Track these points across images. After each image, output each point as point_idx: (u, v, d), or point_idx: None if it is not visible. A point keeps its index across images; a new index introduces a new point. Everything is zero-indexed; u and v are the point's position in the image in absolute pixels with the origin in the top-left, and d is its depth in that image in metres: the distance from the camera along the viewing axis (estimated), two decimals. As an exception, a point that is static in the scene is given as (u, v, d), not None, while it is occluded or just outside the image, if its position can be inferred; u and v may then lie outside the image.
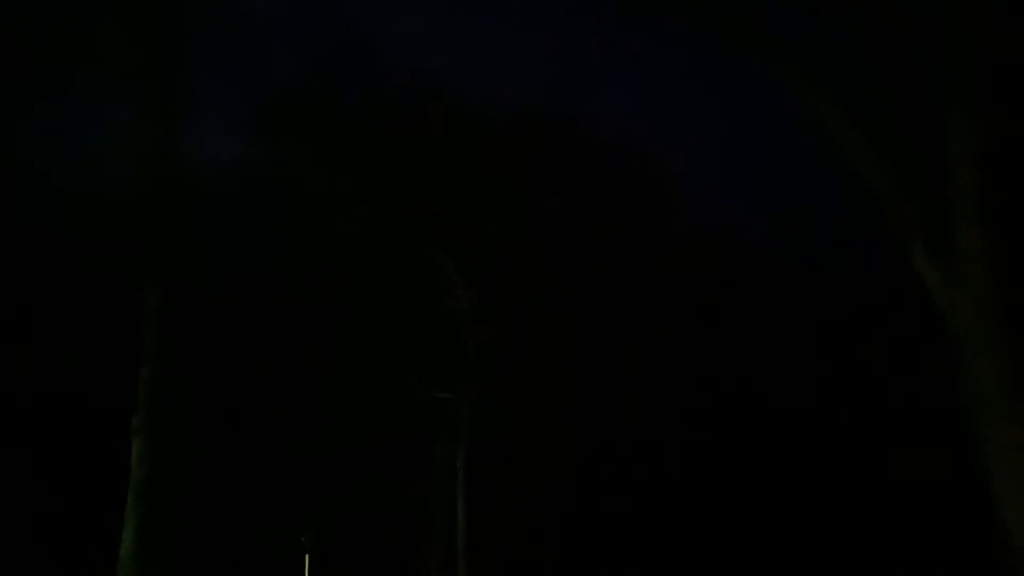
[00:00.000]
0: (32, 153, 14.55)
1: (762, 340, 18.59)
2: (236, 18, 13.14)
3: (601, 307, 17.06)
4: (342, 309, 16.41)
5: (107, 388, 14.37)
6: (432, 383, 15.99)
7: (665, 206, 18.14)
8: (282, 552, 15.10)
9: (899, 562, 16.16)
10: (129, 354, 13.59)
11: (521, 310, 16.66)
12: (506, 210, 16.46)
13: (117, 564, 14.25)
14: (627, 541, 18.47)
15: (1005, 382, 8.15)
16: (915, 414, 15.77)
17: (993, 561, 8.36)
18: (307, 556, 13.39)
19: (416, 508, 17.15)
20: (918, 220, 8.58)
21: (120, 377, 13.42)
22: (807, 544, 17.50)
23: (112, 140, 12.81)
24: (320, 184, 15.90)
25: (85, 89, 13.12)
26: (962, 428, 8.56)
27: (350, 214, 16.02)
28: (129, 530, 14.43)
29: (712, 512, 18.59)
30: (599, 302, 17.05)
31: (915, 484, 16.21)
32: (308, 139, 15.97)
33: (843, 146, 9.01)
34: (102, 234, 13.97)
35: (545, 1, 15.95)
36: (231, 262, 15.85)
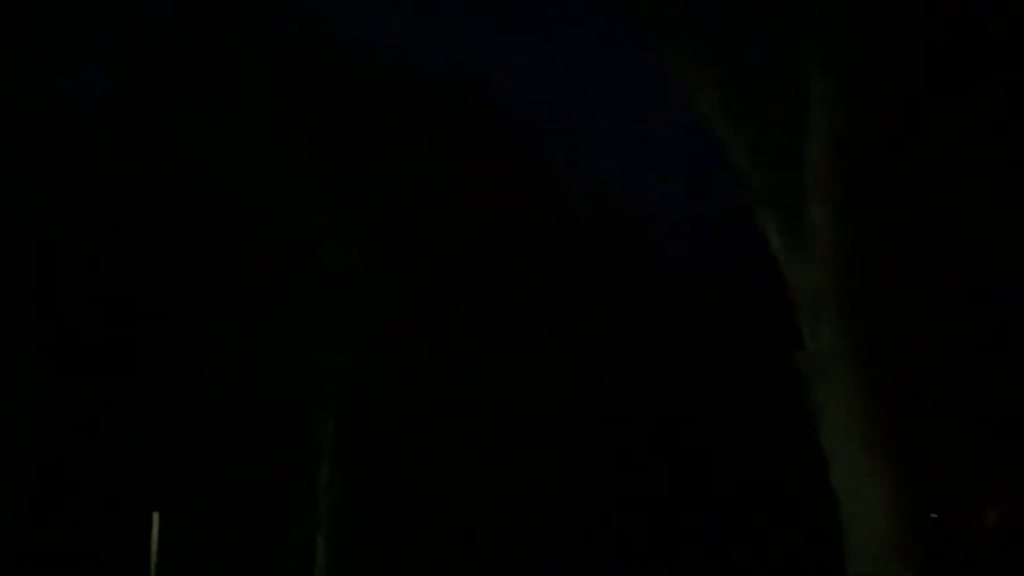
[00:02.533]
0: None
1: (654, 325, 19.03)
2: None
3: (488, 280, 17.14)
4: (215, 265, 15.98)
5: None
6: (309, 345, 15.72)
7: (560, 184, 18.35)
8: (137, 517, 14.64)
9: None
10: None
11: (405, 277, 16.56)
12: (392, 175, 16.31)
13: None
14: (498, 518, 18.65)
15: (842, 351, 8.60)
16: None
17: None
18: (155, 515, 12.97)
19: (284, 473, 16.89)
20: (774, 198, 8.94)
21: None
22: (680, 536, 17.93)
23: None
24: (194, 132, 15.37)
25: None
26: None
27: (227, 168, 15.56)
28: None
29: (591, 495, 18.94)
30: (487, 275, 17.12)
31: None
32: (181, 82, 15.41)
33: (715, 127, 9.30)
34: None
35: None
36: (93, 208, 15.19)
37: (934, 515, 8.74)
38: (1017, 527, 15.35)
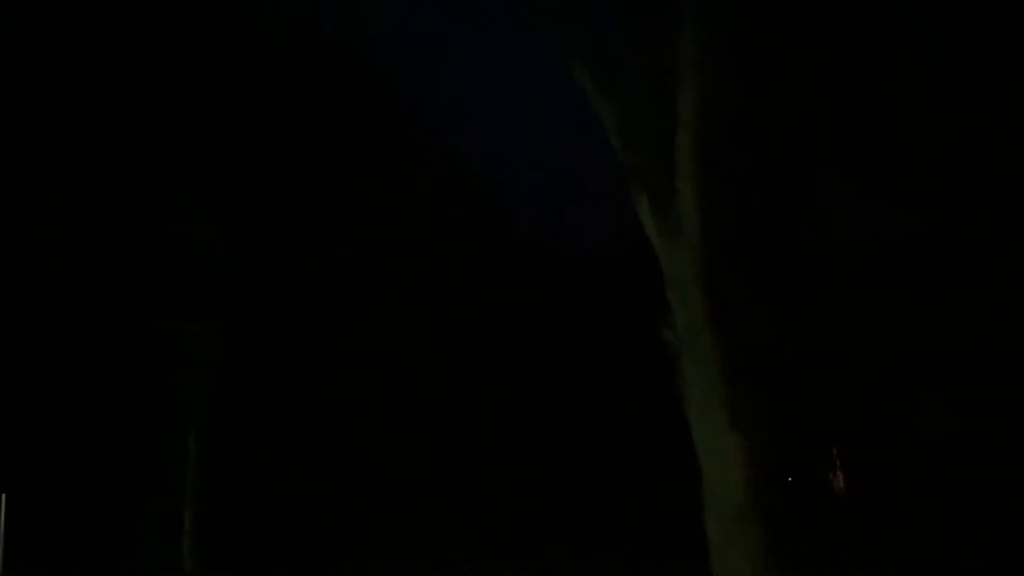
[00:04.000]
0: None
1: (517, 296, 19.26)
2: None
3: (357, 239, 16.95)
4: (82, 231, 15.28)
5: None
6: (180, 315, 15.26)
7: (432, 146, 18.29)
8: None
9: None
10: None
11: (273, 240, 16.16)
12: (259, 131, 15.83)
13: None
14: (369, 494, 18.66)
15: (708, 329, 9.11)
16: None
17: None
18: (2, 496, 12.45)
19: (149, 446, 16.45)
20: (645, 176, 9.34)
21: None
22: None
23: None
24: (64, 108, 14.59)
25: None
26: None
27: (92, 118, 14.77)
28: None
29: (466, 482, 19.07)
30: (356, 236, 16.92)
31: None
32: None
33: (595, 104, 9.60)
34: None
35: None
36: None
37: (788, 478, 9.36)
38: (864, 490, 16.36)
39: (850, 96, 10.50)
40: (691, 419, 9.14)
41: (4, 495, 12.01)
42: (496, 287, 18.84)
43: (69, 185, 14.89)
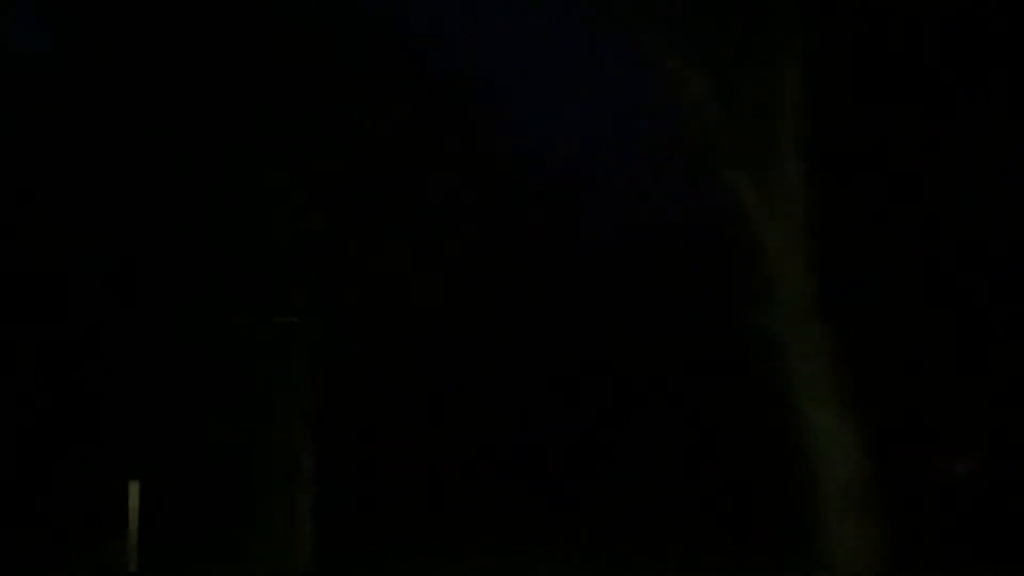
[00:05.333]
0: None
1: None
2: None
3: (451, 232, 17.06)
4: (174, 231, 15.69)
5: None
6: (275, 308, 15.59)
7: (503, 136, 18.25)
8: (112, 486, 14.57)
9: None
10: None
11: (368, 235, 16.38)
12: (344, 132, 16.02)
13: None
14: (476, 469, 18.76)
15: (808, 307, 8.86)
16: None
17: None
18: (136, 485, 12.94)
19: (257, 438, 16.85)
20: (747, 156, 9.11)
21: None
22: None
23: None
24: (145, 88, 14.89)
25: None
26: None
27: (181, 129, 15.17)
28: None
29: (561, 439, 18.97)
30: (449, 228, 17.02)
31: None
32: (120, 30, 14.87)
33: (680, 83, 9.42)
34: None
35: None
36: (40, 172, 14.78)
37: (903, 466, 9.06)
38: (979, 479, 15.80)
39: (963, 64, 10.05)
40: (799, 407, 8.90)
41: (138, 483, 12.43)
42: (576, 276, 18.72)
43: (179, 184, 15.32)
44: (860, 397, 8.76)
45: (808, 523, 8.81)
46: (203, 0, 14.72)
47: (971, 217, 11.29)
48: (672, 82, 9.45)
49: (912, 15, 9.55)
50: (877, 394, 8.90)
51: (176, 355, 15.93)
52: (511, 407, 18.91)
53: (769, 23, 9.02)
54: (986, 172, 11.10)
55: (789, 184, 8.97)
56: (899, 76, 9.86)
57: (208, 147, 14.99)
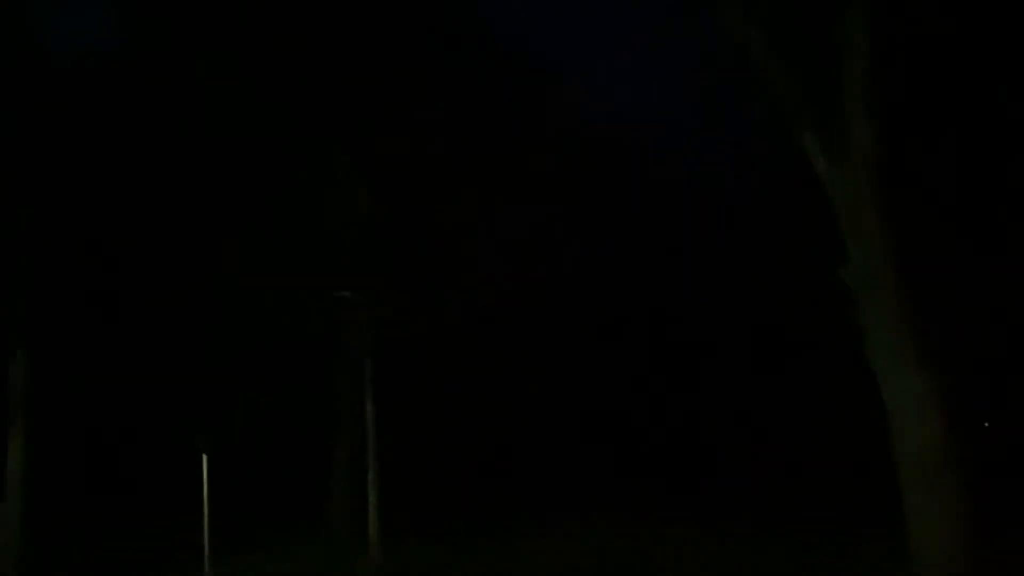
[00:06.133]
0: None
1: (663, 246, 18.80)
2: None
3: (506, 209, 16.96)
4: (238, 210, 15.84)
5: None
6: (334, 282, 15.64)
7: (566, 110, 17.99)
8: (180, 455, 14.81)
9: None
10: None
11: (424, 211, 16.37)
12: (405, 110, 16.00)
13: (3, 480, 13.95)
14: (533, 441, 18.80)
15: (885, 264, 8.52)
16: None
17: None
18: (204, 457, 13.13)
19: (320, 409, 17.02)
20: (814, 114, 8.77)
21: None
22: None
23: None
24: (207, 75, 15.04)
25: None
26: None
27: (242, 109, 15.26)
28: (16, 445, 14.06)
29: (616, 416, 18.97)
30: (503, 204, 16.92)
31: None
32: (189, 23, 15.01)
33: (745, 45, 9.08)
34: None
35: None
36: (111, 159, 15.00)
37: (985, 423, 8.74)
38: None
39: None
40: (875, 363, 8.59)
41: (205, 456, 12.62)
42: (649, 239, 18.44)
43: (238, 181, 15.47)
44: (941, 358, 8.41)
45: (889, 493, 8.56)
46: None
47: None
48: (740, 46, 9.14)
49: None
50: (958, 356, 8.53)
51: (242, 330, 16.13)
52: (570, 374, 18.81)
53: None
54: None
55: (859, 143, 8.61)
56: (972, 37, 9.36)
57: (276, 131, 15.09)
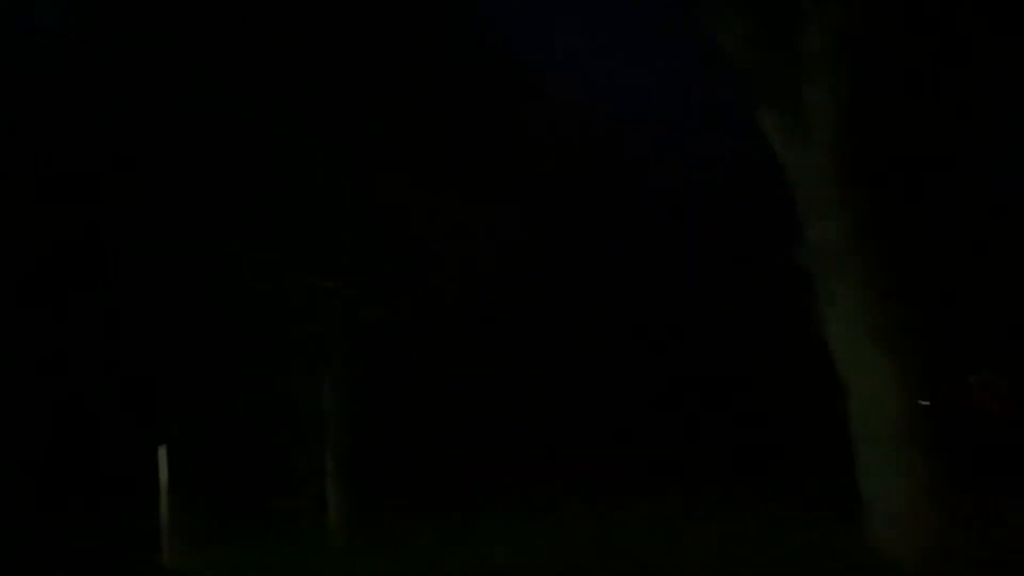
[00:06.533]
0: None
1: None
2: None
3: (486, 199, 16.85)
4: (216, 197, 15.51)
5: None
6: (314, 271, 15.40)
7: (535, 89, 17.89)
8: (139, 445, 14.56)
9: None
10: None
11: (405, 204, 16.14)
12: (383, 98, 15.76)
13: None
14: (508, 431, 18.75)
15: (848, 242, 8.52)
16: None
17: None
18: (163, 449, 12.93)
19: (294, 399, 16.80)
20: (767, 78, 8.70)
21: None
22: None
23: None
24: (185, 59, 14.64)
25: None
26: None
27: (220, 99, 14.91)
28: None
29: (596, 381, 18.88)
30: (483, 194, 16.80)
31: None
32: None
33: (713, 28, 9.00)
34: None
35: None
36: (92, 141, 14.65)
37: (939, 400, 8.80)
38: (999, 405, 15.66)
39: None
40: (835, 344, 8.61)
41: (165, 448, 12.45)
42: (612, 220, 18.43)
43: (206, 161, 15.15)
44: (900, 333, 8.44)
45: (848, 467, 8.60)
46: None
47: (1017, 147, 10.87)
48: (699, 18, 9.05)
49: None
50: (917, 330, 8.56)
51: (211, 317, 15.85)
52: (543, 358, 18.76)
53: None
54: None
55: (819, 113, 8.57)
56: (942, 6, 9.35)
57: (250, 115, 14.77)
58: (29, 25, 14.36)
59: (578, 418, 18.85)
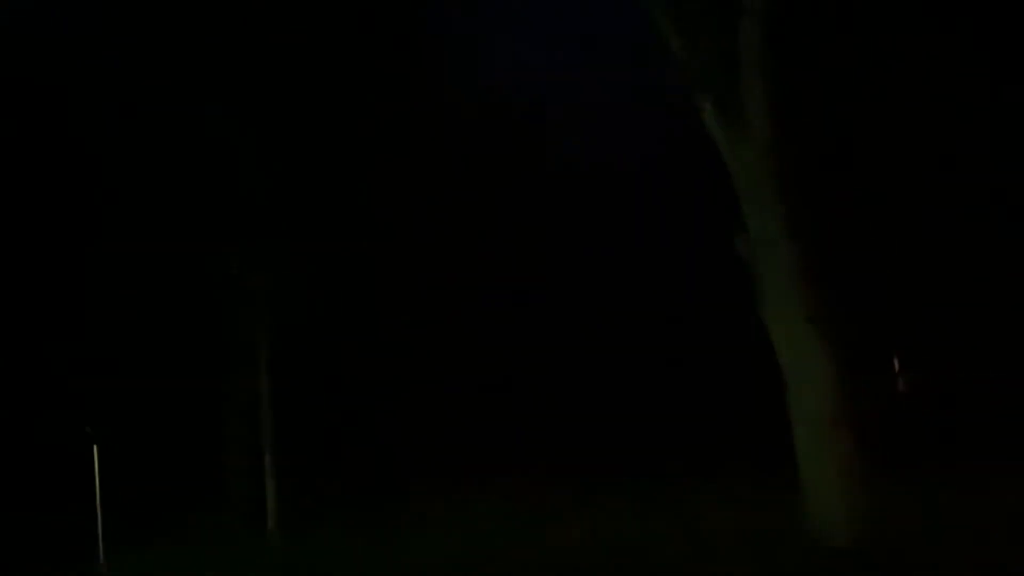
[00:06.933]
0: None
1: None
2: None
3: (418, 183, 16.76)
4: (138, 183, 15.14)
5: None
6: (232, 260, 15.14)
7: (468, 74, 17.84)
8: (69, 444, 14.17)
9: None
10: None
11: (328, 190, 15.96)
12: (313, 88, 15.54)
13: None
14: (435, 428, 18.67)
15: (784, 234, 8.78)
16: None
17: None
18: (95, 447, 12.62)
19: (217, 394, 16.50)
20: (707, 75, 8.90)
21: None
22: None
23: None
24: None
25: None
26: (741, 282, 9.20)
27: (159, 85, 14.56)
28: None
29: (537, 371, 18.86)
30: (417, 178, 16.70)
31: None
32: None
33: (657, 28, 9.13)
34: None
35: None
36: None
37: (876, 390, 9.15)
38: (923, 389, 16.18)
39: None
40: (771, 329, 8.87)
41: (95, 446, 12.15)
42: (551, 213, 18.49)
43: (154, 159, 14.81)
44: (833, 321, 8.74)
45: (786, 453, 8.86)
46: None
47: (944, 134, 11.29)
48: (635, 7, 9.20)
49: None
50: (851, 317, 8.88)
51: (137, 308, 15.50)
52: (473, 347, 18.75)
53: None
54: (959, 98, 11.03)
55: (755, 106, 8.79)
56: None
57: (191, 105, 14.45)
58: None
59: (513, 410, 18.90)
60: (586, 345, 18.88)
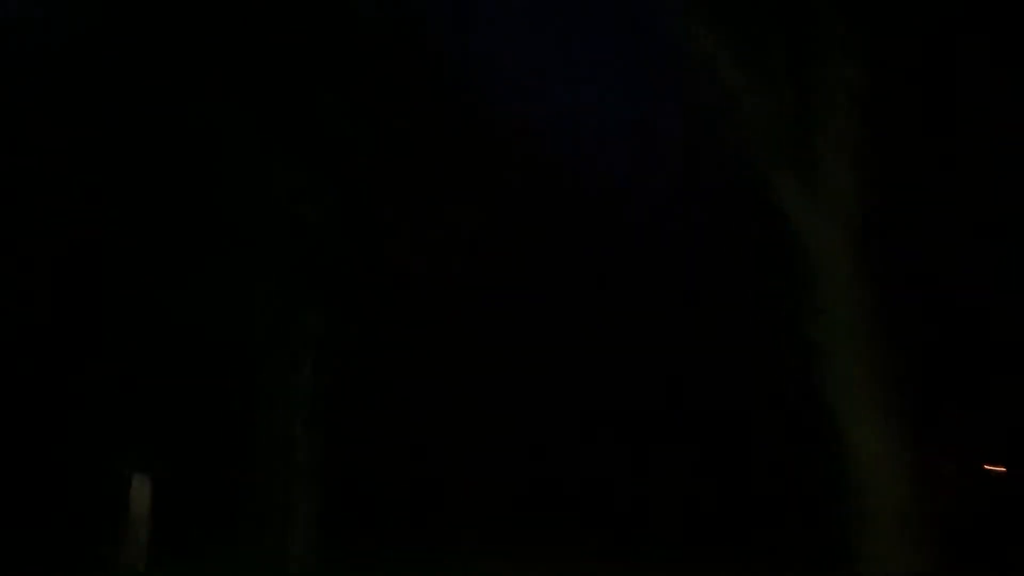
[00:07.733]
0: None
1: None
2: None
3: (462, 227, 16.63)
4: (181, 222, 15.21)
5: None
6: (285, 301, 15.11)
7: (525, 144, 17.81)
8: (117, 479, 14.19)
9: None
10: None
11: (379, 232, 15.91)
12: (361, 130, 15.55)
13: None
14: (481, 468, 18.42)
15: (860, 317, 8.41)
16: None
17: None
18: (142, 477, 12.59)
19: (264, 433, 16.43)
20: (792, 158, 8.63)
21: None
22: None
23: None
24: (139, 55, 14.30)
25: None
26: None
27: (194, 119, 14.64)
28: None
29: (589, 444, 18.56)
30: (460, 222, 16.57)
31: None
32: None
33: (725, 87, 8.93)
34: None
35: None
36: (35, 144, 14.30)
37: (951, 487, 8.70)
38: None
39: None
40: (845, 421, 8.46)
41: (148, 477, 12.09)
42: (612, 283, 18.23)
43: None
44: (912, 415, 8.32)
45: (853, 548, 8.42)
46: None
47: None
48: (715, 78, 8.98)
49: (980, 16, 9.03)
50: (931, 412, 8.45)
51: (181, 346, 15.50)
52: (518, 404, 18.46)
53: (824, 16, 8.52)
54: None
55: (839, 187, 8.50)
56: (964, 80, 9.33)
57: (224, 140, 14.48)
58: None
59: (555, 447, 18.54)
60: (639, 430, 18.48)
